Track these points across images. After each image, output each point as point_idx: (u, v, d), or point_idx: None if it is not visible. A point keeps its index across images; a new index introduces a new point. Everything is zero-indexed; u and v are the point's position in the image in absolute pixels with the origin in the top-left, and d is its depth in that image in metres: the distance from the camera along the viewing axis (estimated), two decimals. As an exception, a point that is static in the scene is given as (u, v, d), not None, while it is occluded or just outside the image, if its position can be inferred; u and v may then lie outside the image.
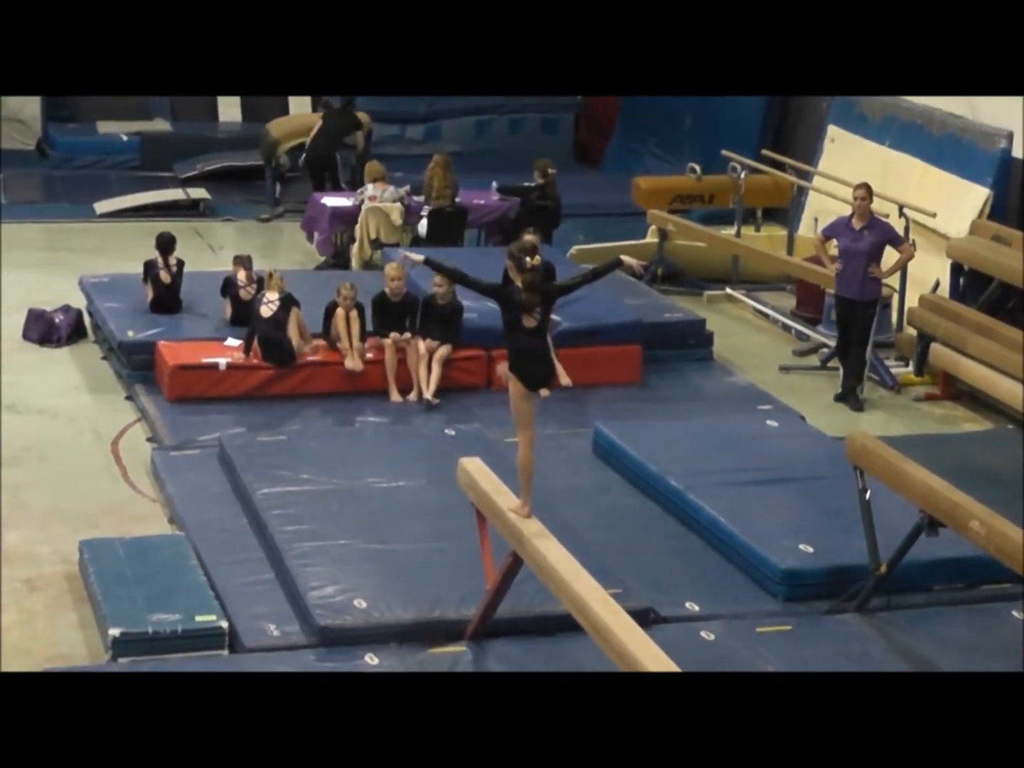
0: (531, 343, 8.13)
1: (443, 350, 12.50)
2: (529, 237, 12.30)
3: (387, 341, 12.46)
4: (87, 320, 13.85)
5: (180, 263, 13.46)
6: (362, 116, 18.51)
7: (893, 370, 13.75)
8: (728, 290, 15.93)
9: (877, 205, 13.33)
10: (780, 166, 16.76)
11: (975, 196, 14.64)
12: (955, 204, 14.65)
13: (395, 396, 12.43)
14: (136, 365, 12.58)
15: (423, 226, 15.70)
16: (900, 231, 13.65)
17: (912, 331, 13.88)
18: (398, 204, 15.68)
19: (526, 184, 16.01)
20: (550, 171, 15.83)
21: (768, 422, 11.76)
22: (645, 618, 8.66)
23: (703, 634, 8.88)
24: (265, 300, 12.42)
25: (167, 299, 13.31)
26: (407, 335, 12.52)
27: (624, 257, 8.58)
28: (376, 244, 15.65)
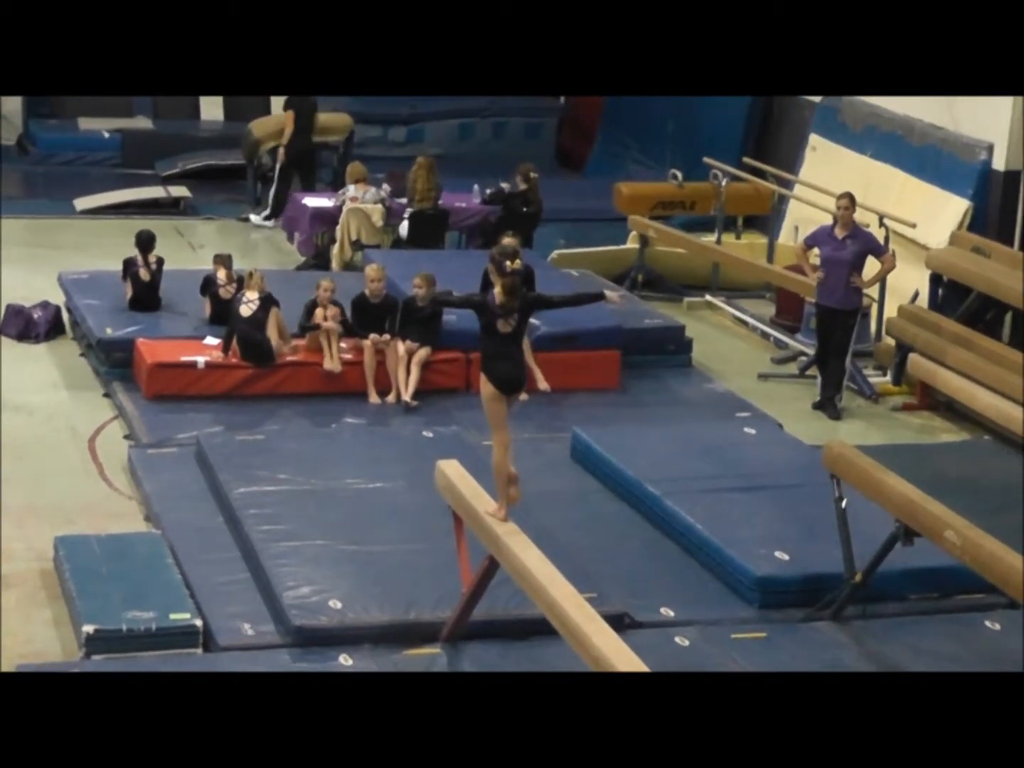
0: (505, 348, 8.13)
1: (422, 352, 12.49)
2: (509, 240, 12.34)
3: (366, 343, 12.44)
4: (66, 317, 13.82)
5: (160, 261, 13.44)
6: (344, 117, 18.53)
7: (871, 380, 13.78)
8: (708, 297, 15.95)
9: (858, 215, 13.36)
10: (761, 174, 16.80)
11: (955, 207, 14.69)
12: (935, 215, 14.69)
13: (374, 398, 12.41)
14: (114, 362, 12.56)
15: (404, 228, 15.70)
16: (880, 241, 13.68)
17: (891, 341, 13.90)
18: (379, 206, 15.68)
19: (508, 191, 15.95)
20: (532, 175, 15.81)
21: (746, 429, 11.78)
22: (620, 623, 8.67)
23: (678, 639, 8.88)
24: (245, 299, 12.40)
25: (146, 297, 13.28)
26: (386, 336, 12.52)
27: (608, 293, 8.65)
28: (357, 245, 15.64)
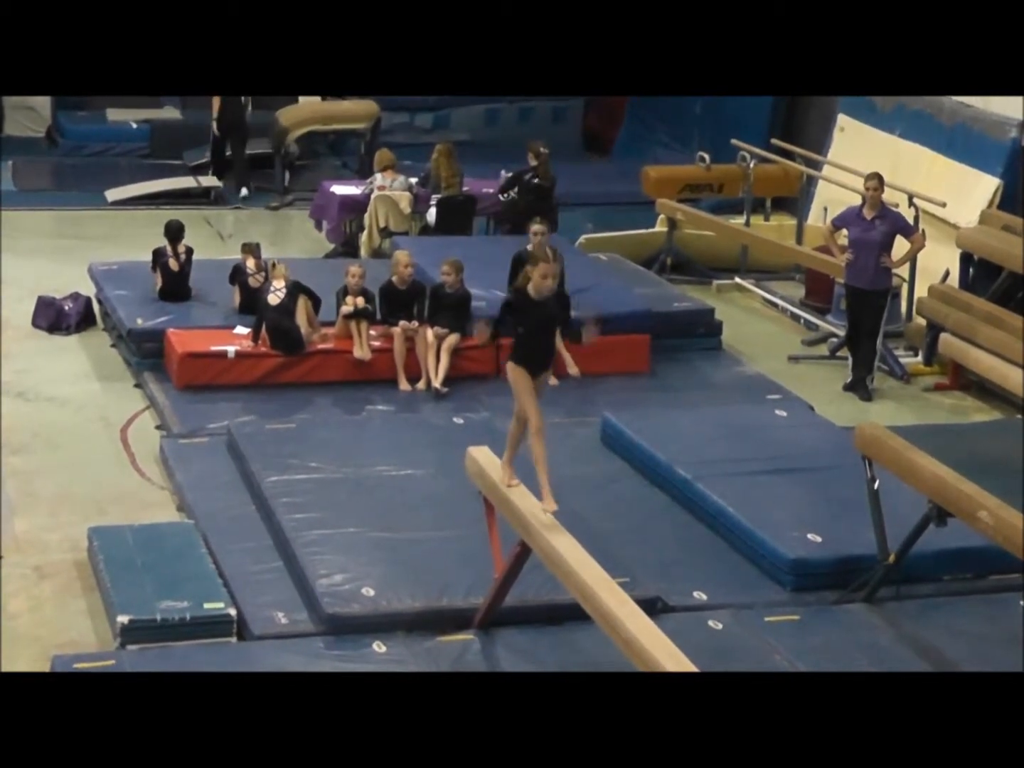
0: (538, 333, 8.08)
1: (452, 338, 12.49)
2: (537, 227, 12.42)
3: (396, 330, 12.45)
4: (96, 308, 13.87)
5: (189, 251, 13.47)
6: (370, 104, 18.54)
7: (902, 360, 13.74)
8: (737, 279, 15.92)
9: (887, 195, 13.31)
10: (789, 155, 16.74)
11: (985, 186, 14.62)
12: (965, 194, 14.62)
13: (404, 385, 12.43)
14: (145, 353, 12.59)
15: (432, 215, 15.71)
16: (910, 221, 13.63)
17: (922, 321, 13.86)
18: (407, 193, 15.69)
19: (519, 170, 15.88)
20: (542, 150, 15.73)
21: (777, 412, 11.75)
22: (653, 607, 8.67)
23: (711, 623, 8.88)
24: (273, 288, 12.42)
25: (176, 287, 13.32)
26: (415, 323, 12.52)
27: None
28: (385, 232, 15.65)
